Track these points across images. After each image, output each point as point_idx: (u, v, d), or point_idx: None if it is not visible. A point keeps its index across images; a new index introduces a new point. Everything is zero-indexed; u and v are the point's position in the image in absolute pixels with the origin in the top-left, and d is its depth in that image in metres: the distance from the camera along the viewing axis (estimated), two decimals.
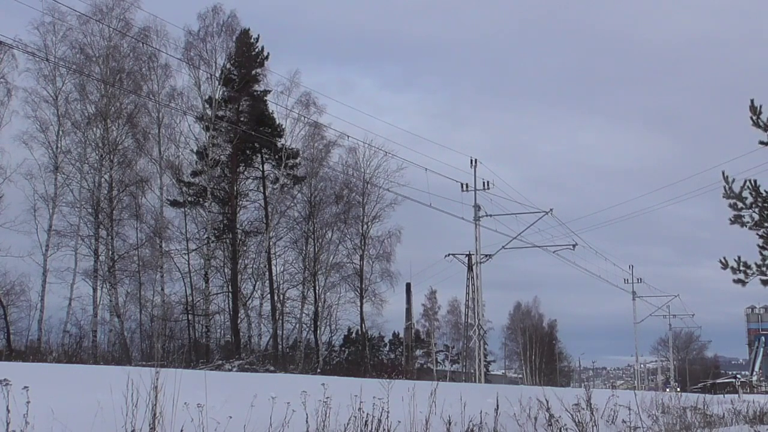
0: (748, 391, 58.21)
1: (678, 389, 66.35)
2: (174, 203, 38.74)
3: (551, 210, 42.77)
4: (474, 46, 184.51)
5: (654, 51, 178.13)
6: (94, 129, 34.93)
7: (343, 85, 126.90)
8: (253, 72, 40.35)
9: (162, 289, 37.38)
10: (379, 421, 9.24)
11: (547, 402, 12.30)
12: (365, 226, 45.50)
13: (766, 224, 11.44)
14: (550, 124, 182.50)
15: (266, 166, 42.10)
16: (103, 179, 35.09)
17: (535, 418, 12.43)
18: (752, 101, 11.43)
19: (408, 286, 60.20)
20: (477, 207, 42.99)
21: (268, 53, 40.85)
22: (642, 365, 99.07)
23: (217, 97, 38.48)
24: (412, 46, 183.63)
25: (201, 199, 38.77)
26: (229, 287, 39.07)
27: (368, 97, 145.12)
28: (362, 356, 46.77)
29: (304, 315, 42.56)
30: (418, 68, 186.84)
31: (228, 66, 39.34)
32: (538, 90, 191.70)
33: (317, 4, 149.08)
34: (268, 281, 41.05)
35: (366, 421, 9.12)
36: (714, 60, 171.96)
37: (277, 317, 41.26)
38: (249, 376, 19.07)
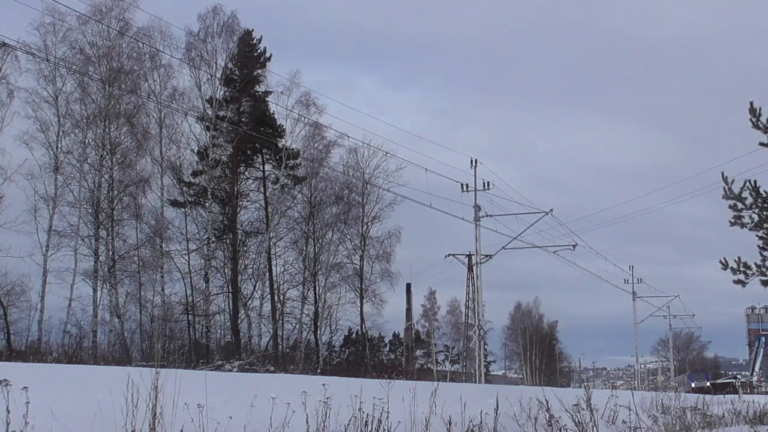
0: (749, 391, 58.07)
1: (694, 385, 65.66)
2: (174, 203, 38.75)
3: (551, 210, 42.89)
4: (475, 44, 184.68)
5: (655, 50, 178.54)
6: (95, 129, 34.95)
7: (344, 83, 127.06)
8: (255, 73, 40.37)
9: (162, 290, 37.41)
10: (380, 421, 9.24)
11: (547, 402, 12.29)
12: (365, 227, 45.55)
13: (766, 225, 11.43)
14: (551, 124, 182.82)
15: (267, 167, 42.13)
16: (103, 179, 35.11)
17: (535, 419, 12.42)
18: (751, 103, 11.40)
19: (408, 286, 60.24)
20: (477, 207, 43.04)
21: (271, 54, 40.98)
22: (642, 365, 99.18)
23: (218, 97, 38.50)
24: (413, 43, 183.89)
25: (201, 200, 38.78)
26: (230, 287, 39.07)
27: (368, 96, 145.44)
28: (362, 356, 46.76)
29: (304, 315, 42.60)
30: (419, 66, 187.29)
31: (229, 66, 39.36)
32: (539, 89, 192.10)
33: (317, 2, 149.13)
34: (268, 281, 41.07)
35: (366, 422, 9.13)
36: (716, 59, 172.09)
37: (278, 317, 41.26)
38: (249, 377, 19.06)
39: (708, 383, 68.30)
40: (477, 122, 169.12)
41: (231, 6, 45.09)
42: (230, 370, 28.08)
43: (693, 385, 68.17)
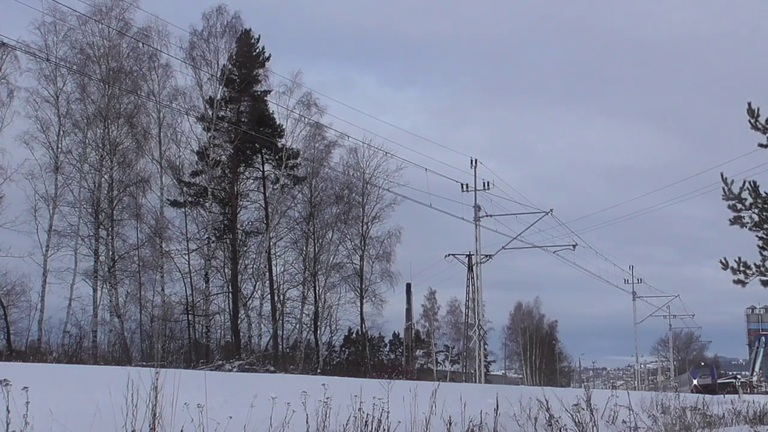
0: (749, 391, 57.96)
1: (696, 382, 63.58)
2: (174, 203, 38.74)
3: (551, 210, 42.84)
4: (475, 43, 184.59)
5: (655, 50, 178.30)
6: (95, 129, 34.95)
7: (344, 82, 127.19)
8: (254, 72, 40.35)
9: (162, 290, 37.40)
10: (379, 421, 9.25)
11: (547, 402, 12.29)
12: (365, 227, 45.53)
13: (765, 225, 11.42)
14: (551, 124, 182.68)
15: (267, 167, 42.10)
16: (103, 179, 35.11)
17: (535, 419, 12.42)
18: (749, 104, 11.38)
19: (408, 286, 60.20)
20: (477, 207, 43.01)
21: (270, 54, 40.88)
22: (642, 365, 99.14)
23: (218, 97, 38.48)
24: (413, 43, 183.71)
25: (201, 200, 38.76)
26: (230, 287, 39.06)
27: (369, 95, 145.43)
28: (362, 356, 46.77)
29: (304, 315, 42.58)
30: (419, 66, 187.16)
31: (229, 66, 39.33)
32: (540, 88, 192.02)
33: (317, 1, 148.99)
34: (268, 281, 41.05)
35: (366, 422, 9.13)
36: (716, 59, 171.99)
37: (278, 317, 41.24)
38: (249, 377, 19.05)
39: (713, 380, 67.03)
40: (477, 122, 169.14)
41: (234, 6, 45.09)
42: (230, 370, 28.04)
43: (696, 382, 66.65)
